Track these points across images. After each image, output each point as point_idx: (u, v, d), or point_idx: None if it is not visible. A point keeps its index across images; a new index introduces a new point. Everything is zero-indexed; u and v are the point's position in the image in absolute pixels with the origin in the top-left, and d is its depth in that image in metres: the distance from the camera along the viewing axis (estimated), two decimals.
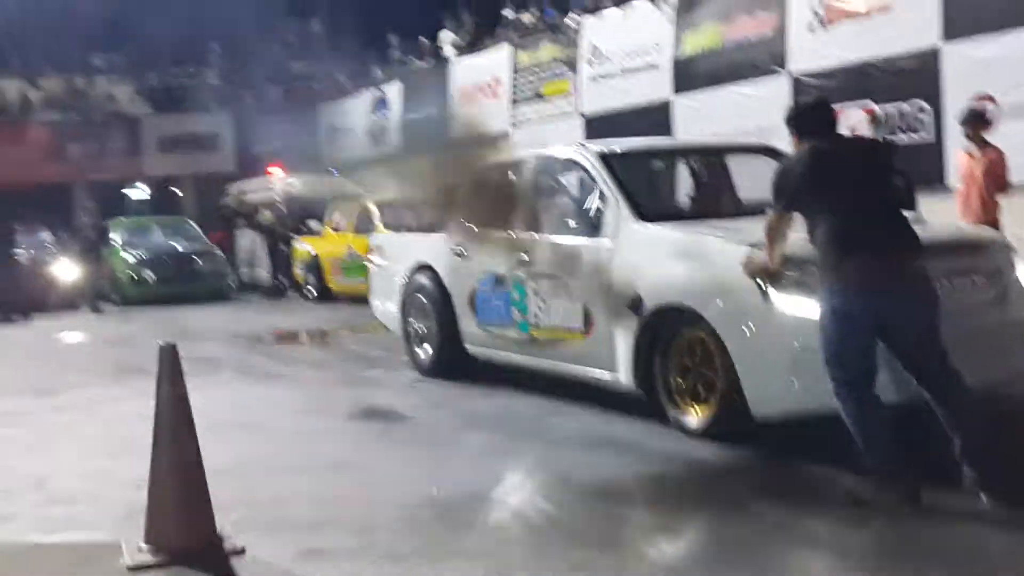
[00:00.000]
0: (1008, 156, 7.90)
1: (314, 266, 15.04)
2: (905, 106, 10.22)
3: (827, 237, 4.18)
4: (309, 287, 15.26)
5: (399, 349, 8.04)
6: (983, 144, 7.98)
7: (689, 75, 12.50)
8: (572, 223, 6.24)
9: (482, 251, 6.90)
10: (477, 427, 5.86)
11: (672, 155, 7.25)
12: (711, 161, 6.90)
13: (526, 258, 6.43)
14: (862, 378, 4.15)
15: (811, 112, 4.50)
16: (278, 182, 17.62)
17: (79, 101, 22.61)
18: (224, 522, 3.87)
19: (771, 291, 4.79)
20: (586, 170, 6.19)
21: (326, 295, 14.66)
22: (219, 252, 17.22)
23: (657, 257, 5.49)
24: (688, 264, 5.32)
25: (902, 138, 10.08)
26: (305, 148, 20.93)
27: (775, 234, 4.47)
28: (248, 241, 18.26)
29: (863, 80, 10.44)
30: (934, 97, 9.89)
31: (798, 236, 4.45)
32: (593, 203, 6.04)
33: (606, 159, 6.18)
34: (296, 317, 13.04)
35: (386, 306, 8.28)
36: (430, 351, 7.57)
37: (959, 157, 8.30)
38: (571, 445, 5.31)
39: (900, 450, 4.11)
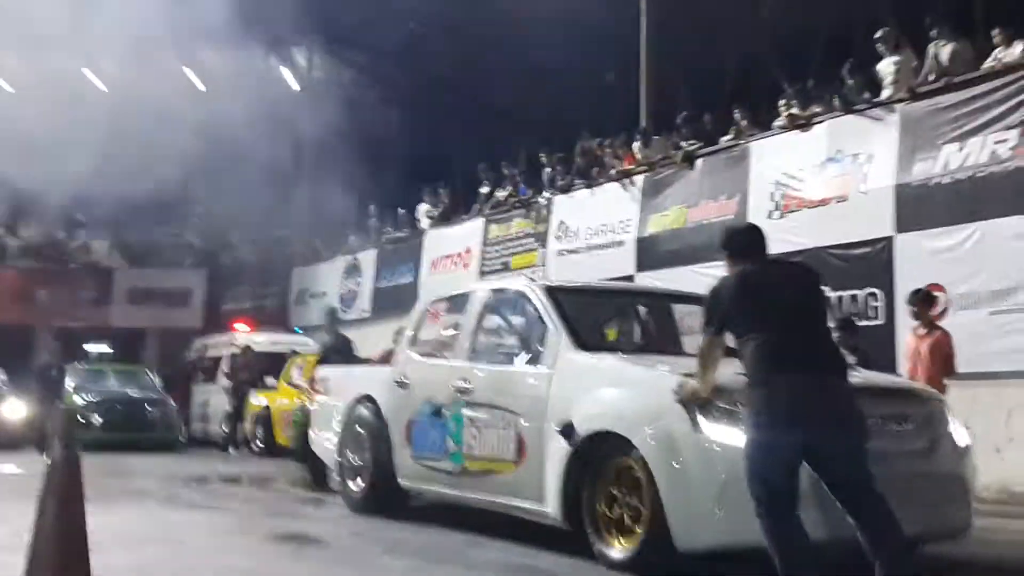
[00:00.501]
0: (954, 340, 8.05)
1: (265, 419, 14.81)
2: (859, 293, 10.44)
3: (755, 356, 4.19)
4: (257, 441, 14.97)
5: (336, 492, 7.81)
6: (930, 325, 8.13)
7: (652, 253, 12.79)
8: (514, 353, 6.25)
9: (423, 381, 6.86)
10: (396, 554, 5.63)
11: (619, 296, 7.35)
12: (657, 305, 6.99)
13: (466, 386, 6.38)
14: (785, 499, 4.07)
15: (743, 235, 4.61)
16: (241, 336, 17.63)
17: (55, 251, 22.80)
18: None
19: (701, 420, 4.74)
20: (531, 301, 6.24)
21: (274, 450, 14.34)
22: (171, 403, 16.95)
23: (592, 385, 5.48)
24: (621, 391, 5.31)
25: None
26: (274, 308, 21.19)
27: (707, 359, 4.48)
28: (204, 396, 18.06)
29: (818, 266, 10.68)
30: (887, 285, 10.12)
31: (731, 369, 4.47)
32: (535, 333, 6.06)
33: (551, 292, 6.27)
34: (239, 467, 12.71)
35: (322, 438, 8.13)
36: (363, 485, 7.36)
37: (907, 338, 8.42)
38: (490, 572, 5.12)
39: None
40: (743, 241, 4.55)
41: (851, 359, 7.51)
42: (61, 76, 19.06)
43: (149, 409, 16.32)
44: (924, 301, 8.25)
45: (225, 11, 14.22)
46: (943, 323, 8.68)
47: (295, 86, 24.65)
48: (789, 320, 4.23)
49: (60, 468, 3.68)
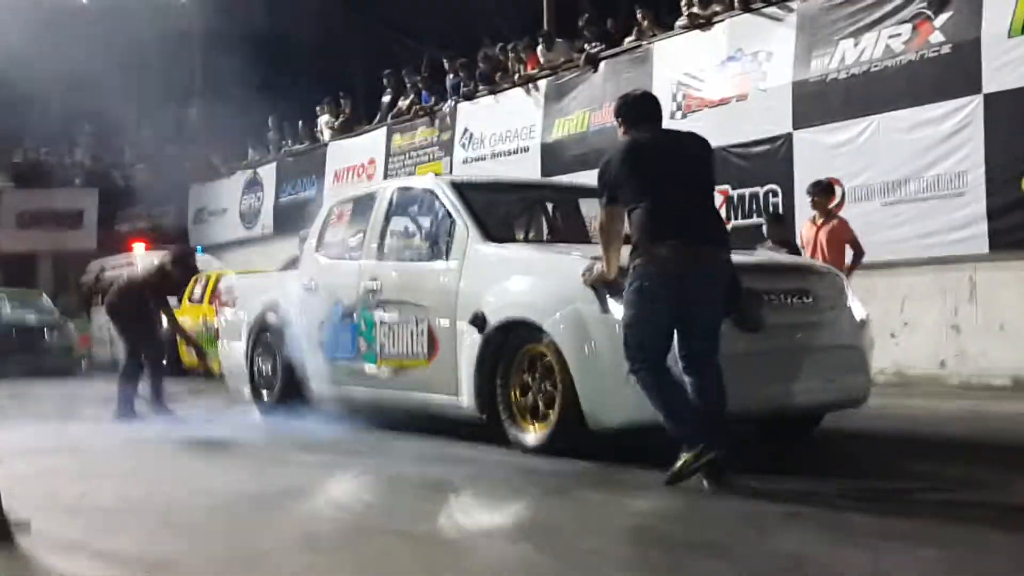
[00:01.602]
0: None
1: (169, 338, 14.48)
2: (760, 190, 10.65)
3: (640, 221, 4.27)
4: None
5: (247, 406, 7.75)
6: (827, 214, 8.35)
7: (557, 158, 12.80)
8: (422, 249, 6.23)
9: (331, 283, 6.80)
10: (311, 451, 5.64)
11: (526, 190, 7.36)
12: (564, 198, 7.02)
13: (376, 286, 6.35)
14: (660, 356, 4.25)
15: (636, 102, 4.62)
16: (139, 257, 17.16)
17: None
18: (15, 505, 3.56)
19: (609, 301, 4.79)
20: (439, 197, 6.19)
21: (179, 369, 14.09)
22: (70, 327, 16.50)
23: (501, 275, 5.50)
24: (530, 279, 5.35)
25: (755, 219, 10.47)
26: (172, 228, 20.64)
27: (607, 234, 4.49)
28: (104, 318, 17.57)
29: (721, 166, 10.84)
30: (787, 181, 10.33)
31: None
32: (444, 228, 6.03)
33: (458, 187, 6.24)
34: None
35: (231, 347, 8.02)
36: (275, 392, 7.32)
37: (804, 226, 8.64)
38: (406, 460, 5.19)
39: (704, 424, 4.17)
40: (636, 108, 4.57)
41: (783, 251, 7.74)
42: None
43: (47, 334, 15.89)
44: (825, 191, 8.45)
45: None
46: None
47: None
48: (674, 187, 4.29)
49: None
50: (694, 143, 4.58)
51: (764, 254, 5.46)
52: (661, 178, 4.28)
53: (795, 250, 8.12)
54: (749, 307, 4.46)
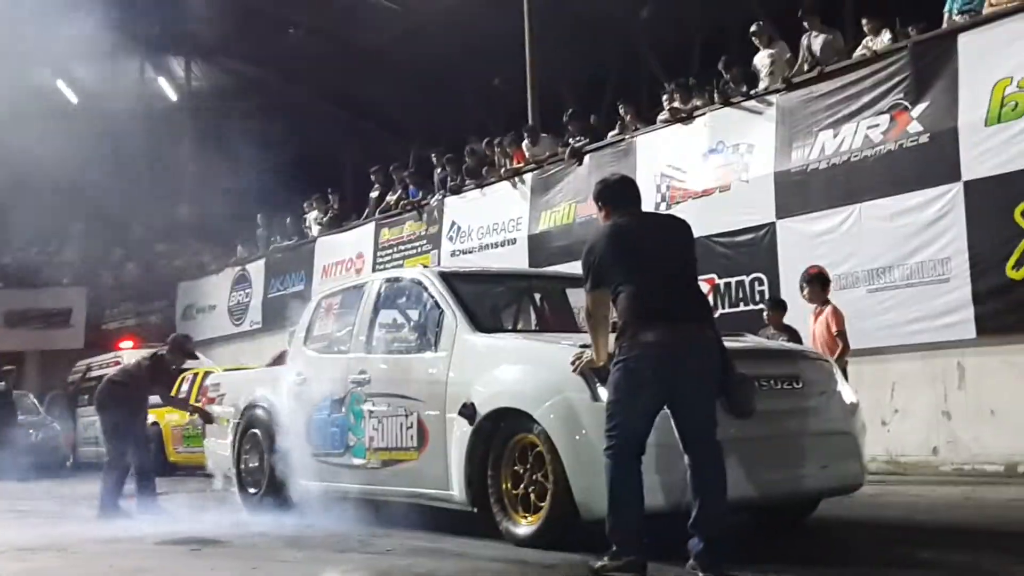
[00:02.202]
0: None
1: (154, 436, 14.33)
2: (745, 278, 10.71)
3: (624, 306, 4.27)
4: None
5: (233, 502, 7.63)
6: (824, 301, 8.31)
7: (543, 249, 12.88)
8: (411, 340, 6.20)
9: (319, 376, 6.76)
10: (298, 547, 5.53)
11: (513, 280, 7.37)
12: (550, 288, 7.04)
13: (364, 378, 6.32)
14: (634, 446, 4.23)
15: (615, 186, 4.66)
16: (127, 356, 17.04)
17: None
18: None
19: (600, 389, 4.75)
20: (426, 288, 6.21)
21: (166, 468, 13.89)
22: (55, 427, 16.32)
23: (490, 365, 5.48)
24: (519, 368, 5.33)
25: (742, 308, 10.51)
26: (160, 325, 20.57)
27: (595, 319, 4.49)
28: (90, 418, 17.37)
29: (705, 255, 10.92)
30: (771, 269, 10.39)
31: None
32: (432, 319, 6.03)
33: (446, 277, 6.27)
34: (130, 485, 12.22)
35: (217, 446, 7.93)
36: (261, 488, 7.22)
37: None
38: (395, 555, 5.09)
39: (641, 528, 4.19)
40: (617, 191, 4.61)
41: (783, 337, 7.73)
42: None
43: (31, 433, 15.68)
44: (810, 281, 8.42)
45: (96, 22, 13.77)
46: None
47: (172, 96, 24.09)
48: (659, 269, 4.31)
49: None
50: (675, 225, 4.64)
51: (753, 339, 5.46)
52: (645, 260, 4.30)
53: (795, 336, 8.09)
54: (740, 392, 4.44)
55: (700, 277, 10.58)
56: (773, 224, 10.46)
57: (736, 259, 10.75)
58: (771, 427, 4.80)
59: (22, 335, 21.60)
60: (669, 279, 4.31)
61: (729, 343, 4.53)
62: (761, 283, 10.55)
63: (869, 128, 9.79)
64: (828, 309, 8.25)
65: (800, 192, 10.28)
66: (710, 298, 10.53)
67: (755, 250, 10.61)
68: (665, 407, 4.27)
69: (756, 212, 10.61)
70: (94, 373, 18.12)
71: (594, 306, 4.44)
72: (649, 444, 4.28)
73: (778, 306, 8.92)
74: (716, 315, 9.46)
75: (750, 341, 5.56)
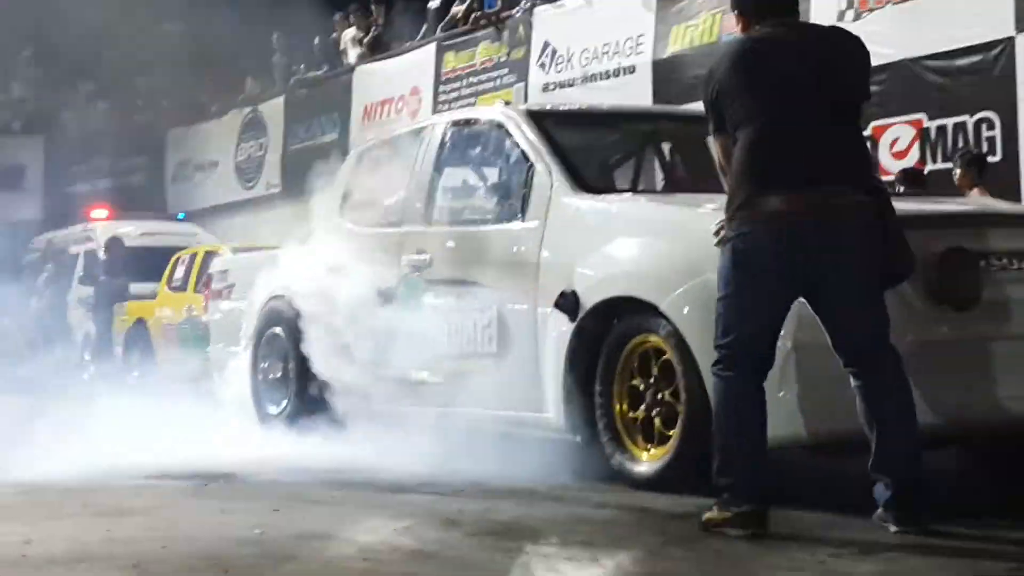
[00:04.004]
0: None
1: (140, 337, 14.88)
2: (968, 119, 10.46)
3: (739, 158, 4.30)
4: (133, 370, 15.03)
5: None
6: None
7: (675, 81, 12.74)
8: (488, 207, 6.28)
9: (362, 259, 6.89)
10: (336, 485, 5.69)
11: (632, 122, 7.35)
12: (685, 133, 6.98)
13: (423, 261, 6.42)
14: (746, 352, 4.26)
15: None
16: (101, 229, 17.56)
17: None
18: None
19: None
20: (510, 134, 6.24)
21: (155, 375, 14.39)
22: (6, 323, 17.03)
23: (599, 239, 5.53)
24: (641, 243, 5.37)
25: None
26: (145, 187, 21.04)
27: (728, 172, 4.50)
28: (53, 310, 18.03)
29: (911, 86, 10.69)
30: (1006, 105, 10.13)
31: None
32: (517, 176, 6.07)
33: (538, 118, 6.30)
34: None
35: (228, 352, 8.18)
36: (285, 403, 7.47)
37: None
38: (466, 497, 5.22)
39: (761, 468, 4.26)
40: None
41: None
42: None
43: None
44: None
45: None
46: None
47: None
48: (794, 109, 4.27)
49: None
50: (838, 43, 4.51)
51: (978, 201, 5.35)
52: (776, 93, 4.27)
53: None
54: (957, 274, 4.39)
55: (903, 118, 10.55)
56: (1011, 40, 10.15)
57: (955, 91, 10.50)
58: (1005, 324, 4.74)
59: None
60: (808, 122, 4.26)
61: (939, 205, 4.46)
62: (991, 126, 10.31)
63: None
64: None
65: None
66: (915, 147, 10.37)
67: (984, 78, 10.34)
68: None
69: (986, 23, 10.31)
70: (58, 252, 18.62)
71: (723, 156, 4.47)
72: (781, 348, 4.34)
73: (974, 163, 8.68)
74: (925, 170, 9.52)
75: (973, 203, 5.48)
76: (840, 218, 4.22)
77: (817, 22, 8.83)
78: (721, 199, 5.00)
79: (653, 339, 5.16)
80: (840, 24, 11.14)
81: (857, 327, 4.25)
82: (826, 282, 4.24)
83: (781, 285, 4.25)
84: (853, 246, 4.23)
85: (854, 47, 4.48)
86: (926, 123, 10.68)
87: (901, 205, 5.36)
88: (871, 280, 4.26)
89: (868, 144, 4.86)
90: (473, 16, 15.52)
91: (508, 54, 14.90)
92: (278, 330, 7.60)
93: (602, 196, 5.80)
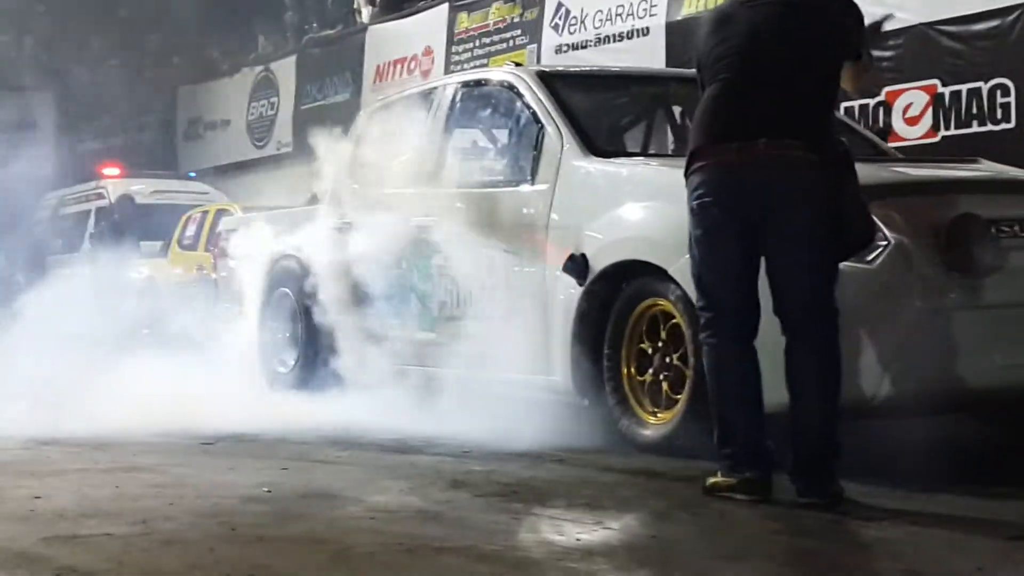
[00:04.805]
0: None
1: (150, 296, 14.90)
2: (982, 86, 10.41)
3: (696, 115, 4.37)
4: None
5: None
6: None
7: (687, 45, 12.65)
8: (497, 169, 6.29)
9: (371, 220, 6.90)
10: (343, 444, 5.78)
11: (643, 84, 7.34)
12: (697, 96, 6.91)
13: (433, 220, 6.43)
14: (730, 318, 4.24)
15: None
16: (112, 187, 17.59)
17: None
18: None
19: None
20: (521, 95, 6.24)
21: (165, 336, 14.45)
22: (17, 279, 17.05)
23: (609, 202, 5.55)
24: (651, 207, 5.38)
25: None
26: (156, 145, 21.05)
27: None
28: (64, 269, 18.07)
29: (924, 50, 10.62)
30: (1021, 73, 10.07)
31: None
32: (527, 138, 6.07)
33: (548, 80, 6.28)
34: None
35: (236, 309, 8.22)
36: (293, 363, 7.53)
37: None
38: (472, 458, 5.29)
39: (760, 435, 4.23)
40: None
41: None
42: None
43: None
44: None
45: None
46: None
47: None
48: (753, 68, 4.24)
49: None
50: (816, 4, 4.38)
51: (990, 167, 5.32)
52: (736, 53, 4.25)
53: None
54: (967, 241, 4.39)
55: (917, 84, 10.49)
56: None
57: (970, 57, 10.42)
58: (1016, 292, 4.73)
59: None
60: (770, 80, 4.21)
61: (947, 172, 4.43)
62: (1006, 92, 10.25)
63: None
64: None
65: None
66: (928, 112, 10.33)
67: (999, 44, 10.27)
68: None
69: None
70: (69, 210, 18.70)
71: None
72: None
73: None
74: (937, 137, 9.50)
75: (984, 168, 5.46)
76: (787, 170, 4.16)
77: None
78: None
79: (662, 303, 5.18)
80: None
81: (793, 292, 4.20)
82: (774, 239, 4.18)
83: (738, 243, 4.20)
84: (798, 203, 4.16)
85: (841, 6, 4.40)
86: (940, 89, 10.63)
87: (912, 171, 5.41)
88: (815, 243, 4.16)
89: (834, 107, 4.76)
90: None
91: (521, 15, 14.84)
92: (286, 290, 7.65)
93: (612, 159, 5.79)
